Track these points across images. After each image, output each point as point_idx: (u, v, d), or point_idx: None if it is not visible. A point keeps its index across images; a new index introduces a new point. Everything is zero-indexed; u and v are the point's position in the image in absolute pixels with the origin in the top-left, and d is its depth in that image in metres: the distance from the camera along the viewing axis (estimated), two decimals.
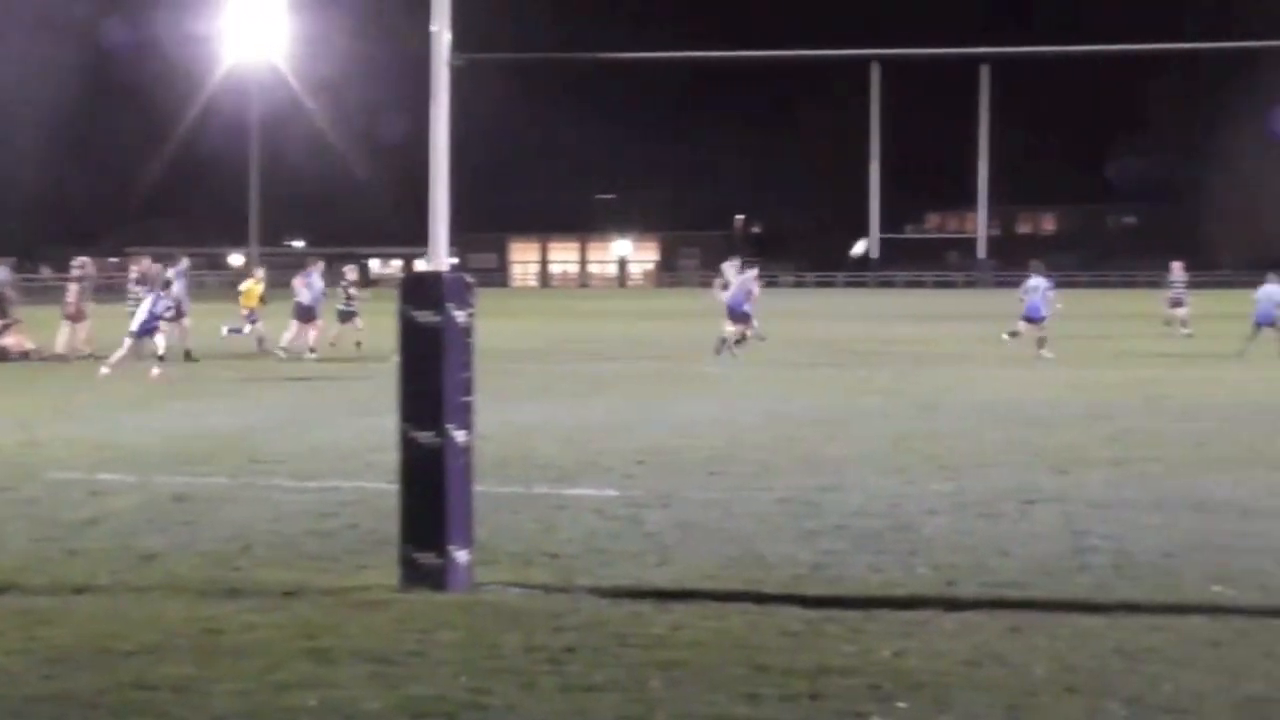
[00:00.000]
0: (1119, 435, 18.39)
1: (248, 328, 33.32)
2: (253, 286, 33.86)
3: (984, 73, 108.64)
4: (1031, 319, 32.96)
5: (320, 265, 34.12)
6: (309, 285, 32.56)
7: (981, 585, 10.06)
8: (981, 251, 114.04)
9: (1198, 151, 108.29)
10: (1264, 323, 33.00)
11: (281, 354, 31.41)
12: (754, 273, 33.74)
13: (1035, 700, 7.53)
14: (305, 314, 32.43)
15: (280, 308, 34.33)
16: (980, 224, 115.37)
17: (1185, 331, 39.74)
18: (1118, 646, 8.46)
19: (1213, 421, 19.81)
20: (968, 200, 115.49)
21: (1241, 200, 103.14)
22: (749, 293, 32.84)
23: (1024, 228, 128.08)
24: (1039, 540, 11.65)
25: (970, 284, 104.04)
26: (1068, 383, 25.86)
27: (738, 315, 32.46)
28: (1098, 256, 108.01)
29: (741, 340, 32.52)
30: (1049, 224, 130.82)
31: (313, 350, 31.46)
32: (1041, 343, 32.15)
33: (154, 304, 27.28)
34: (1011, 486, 14.22)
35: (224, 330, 33.52)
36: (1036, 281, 33.44)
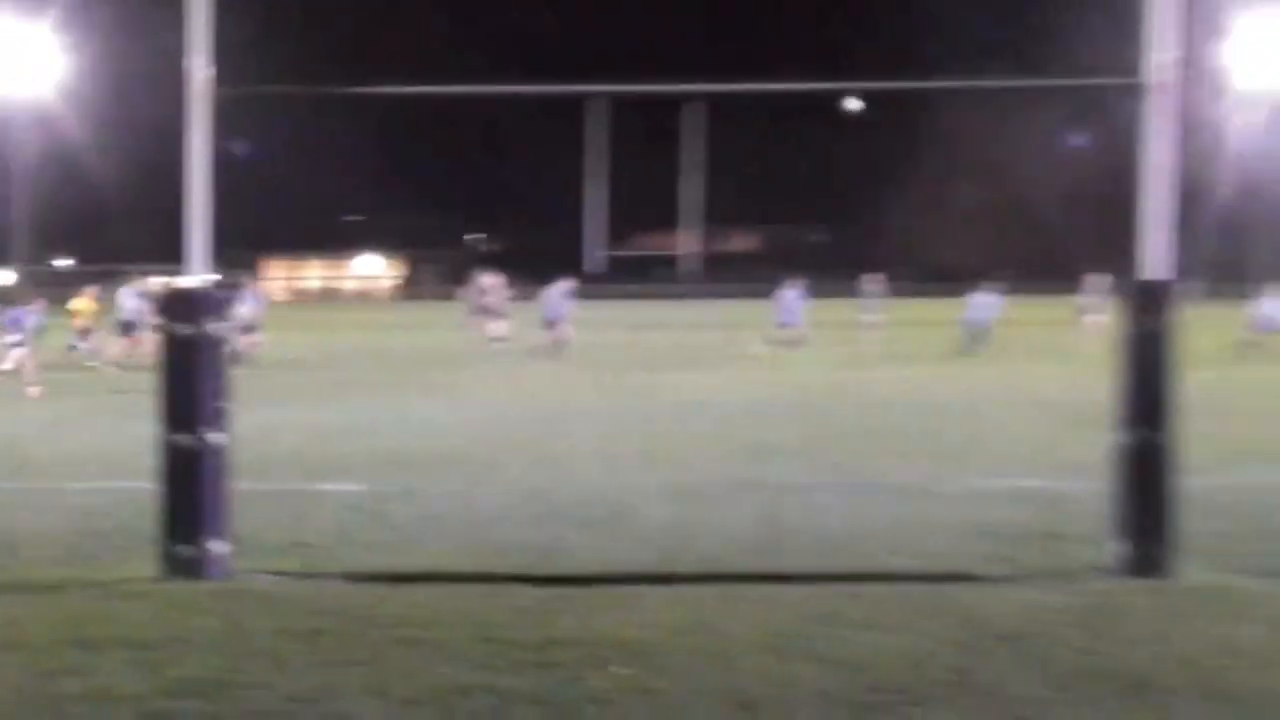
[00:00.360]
0: (817, 428, 18.85)
1: (83, 344, 31.79)
2: (87, 304, 32.35)
3: (690, 108, 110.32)
4: (784, 325, 34.84)
5: (143, 284, 33.42)
6: (133, 303, 32.04)
7: (692, 562, 10.24)
8: (690, 266, 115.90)
9: (878, 175, 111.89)
10: (974, 325, 34.39)
11: (99, 365, 30.28)
12: (566, 285, 34.58)
13: (738, 661, 7.70)
14: (127, 330, 31.68)
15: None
16: (689, 243, 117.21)
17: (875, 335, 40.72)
18: (811, 612, 8.68)
19: (899, 416, 20.39)
20: (677, 220, 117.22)
21: (913, 220, 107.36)
22: (556, 306, 33.95)
23: (728, 245, 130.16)
24: (742, 522, 11.90)
25: (679, 296, 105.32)
26: (771, 383, 26.33)
27: (552, 324, 33.69)
28: (794, 271, 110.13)
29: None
30: (751, 242, 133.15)
31: (118, 365, 29.80)
32: (782, 342, 33.44)
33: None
34: (719, 475, 14.48)
35: (73, 345, 31.89)
36: (787, 292, 35.09)
